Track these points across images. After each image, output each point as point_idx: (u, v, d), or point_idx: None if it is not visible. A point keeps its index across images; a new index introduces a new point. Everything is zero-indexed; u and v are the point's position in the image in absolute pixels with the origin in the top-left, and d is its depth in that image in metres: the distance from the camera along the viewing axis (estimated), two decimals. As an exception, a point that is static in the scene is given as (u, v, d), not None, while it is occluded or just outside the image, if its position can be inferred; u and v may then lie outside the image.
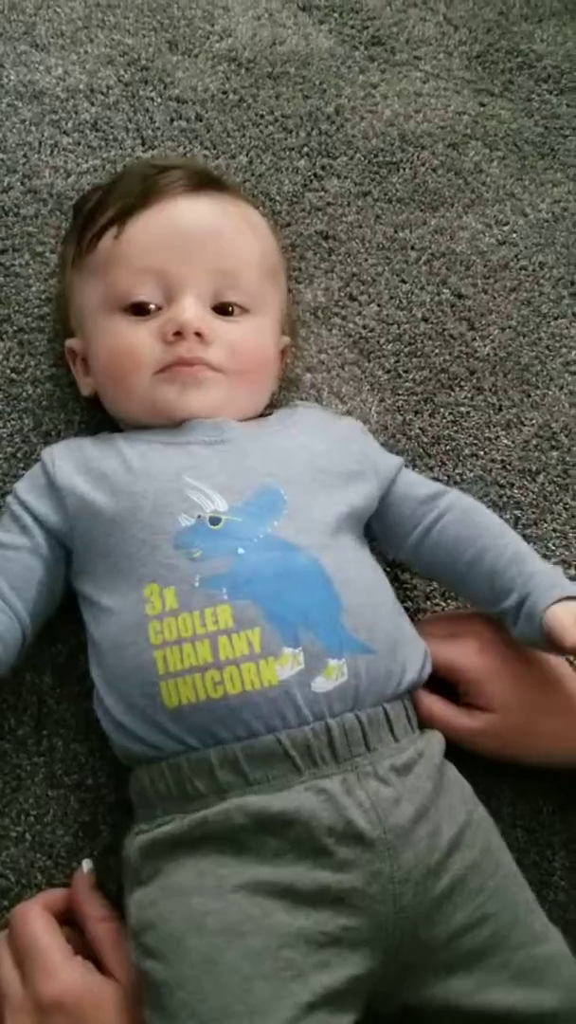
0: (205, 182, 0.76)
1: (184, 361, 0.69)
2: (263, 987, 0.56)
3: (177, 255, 0.71)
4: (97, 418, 0.81)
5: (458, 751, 0.70)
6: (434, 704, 0.72)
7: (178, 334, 0.69)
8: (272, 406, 0.79)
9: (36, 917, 0.65)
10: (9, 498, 0.71)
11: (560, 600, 0.65)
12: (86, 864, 0.69)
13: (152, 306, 0.71)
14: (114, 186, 0.77)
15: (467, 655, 0.73)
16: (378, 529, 0.75)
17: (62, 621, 0.71)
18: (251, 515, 0.66)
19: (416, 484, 0.76)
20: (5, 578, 0.67)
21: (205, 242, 0.72)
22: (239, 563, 0.64)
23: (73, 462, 0.70)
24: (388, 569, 0.81)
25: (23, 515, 0.69)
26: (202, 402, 0.70)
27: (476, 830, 0.66)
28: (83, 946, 0.65)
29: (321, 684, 0.62)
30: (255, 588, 0.63)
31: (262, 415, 0.77)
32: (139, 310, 0.71)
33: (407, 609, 0.80)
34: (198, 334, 0.69)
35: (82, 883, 0.68)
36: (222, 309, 0.72)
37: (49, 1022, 0.60)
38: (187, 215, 0.73)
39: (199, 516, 0.65)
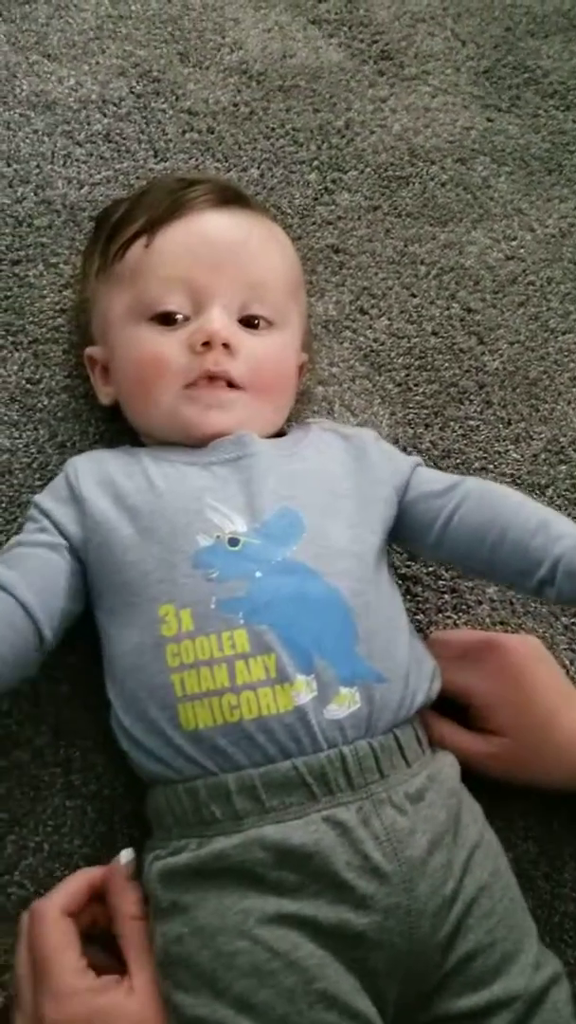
0: (232, 198, 0.76)
1: (210, 374, 0.69)
2: (300, 1022, 0.56)
3: (206, 265, 0.71)
4: (113, 429, 0.81)
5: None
6: (445, 728, 0.72)
7: (206, 344, 0.69)
8: (287, 420, 0.79)
9: (52, 926, 0.62)
10: (31, 509, 0.71)
11: None
12: (124, 855, 0.67)
13: (180, 316, 0.71)
14: (141, 199, 0.77)
15: (478, 679, 0.73)
16: (400, 532, 0.73)
17: (79, 630, 0.71)
18: (270, 537, 0.65)
19: (431, 481, 0.73)
20: (25, 580, 0.65)
21: (234, 254, 0.73)
22: (256, 586, 0.63)
23: (95, 477, 0.70)
24: (400, 583, 0.82)
25: (44, 522, 0.69)
26: (224, 422, 0.70)
27: (487, 851, 0.66)
28: (106, 930, 0.65)
29: (334, 711, 0.62)
30: (272, 613, 0.63)
31: (279, 432, 0.77)
32: (166, 320, 0.71)
33: (418, 623, 0.81)
34: (226, 345, 0.70)
35: (118, 875, 0.66)
36: (248, 322, 0.72)
37: None
38: (216, 227, 0.74)
39: (218, 536, 0.65)
